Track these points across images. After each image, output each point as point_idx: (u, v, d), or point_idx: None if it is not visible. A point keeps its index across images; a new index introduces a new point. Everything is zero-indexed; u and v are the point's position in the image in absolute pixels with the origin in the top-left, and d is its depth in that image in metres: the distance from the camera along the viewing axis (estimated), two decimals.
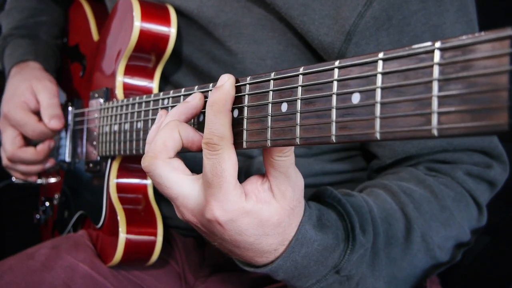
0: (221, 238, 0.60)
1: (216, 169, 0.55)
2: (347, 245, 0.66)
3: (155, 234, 0.91)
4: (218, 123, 0.55)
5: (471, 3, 0.82)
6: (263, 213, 0.57)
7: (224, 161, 0.55)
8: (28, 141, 1.13)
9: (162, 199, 0.99)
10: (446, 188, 0.79)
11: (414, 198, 0.76)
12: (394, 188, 0.77)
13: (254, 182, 0.59)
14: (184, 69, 0.99)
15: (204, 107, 0.64)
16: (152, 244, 0.91)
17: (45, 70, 1.17)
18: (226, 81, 0.57)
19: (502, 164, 0.83)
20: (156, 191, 0.96)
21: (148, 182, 0.96)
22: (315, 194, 0.72)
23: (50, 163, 1.15)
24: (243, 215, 0.56)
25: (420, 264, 0.75)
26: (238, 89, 0.58)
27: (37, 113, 1.09)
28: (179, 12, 0.94)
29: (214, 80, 0.60)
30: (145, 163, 0.60)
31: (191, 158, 0.70)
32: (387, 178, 0.82)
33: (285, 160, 0.56)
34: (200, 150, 0.60)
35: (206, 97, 0.64)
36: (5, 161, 1.13)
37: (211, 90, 0.63)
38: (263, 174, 0.59)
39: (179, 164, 0.61)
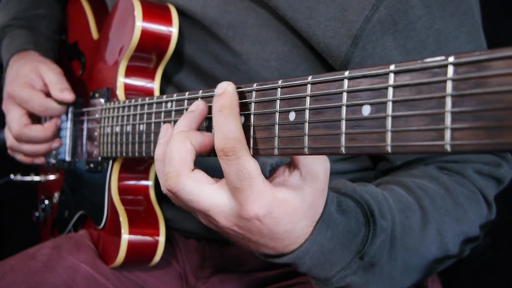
0: (259, 234, 0.59)
1: (243, 173, 0.54)
2: (368, 229, 0.66)
3: (157, 235, 0.91)
4: (231, 125, 0.54)
5: (476, 6, 0.81)
6: (296, 199, 0.57)
7: (247, 162, 0.54)
8: (35, 121, 1.09)
9: (164, 200, 0.99)
10: (459, 185, 0.79)
11: (428, 193, 0.76)
12: (409, 183, 0.77)
13: (281, 173, 0.59)
14: (186, 69, 0.98)
15: (209, 113, 0.63)
16: (155, 245, 0.91)
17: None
18: (228, 85, 0.57)
19: (508, 163, 0.84)
20: (157, 192, 0.96)
21: (149, 183, 0.96)
22: (330, 186, 0.72)
23: (57, 143, 1.10)
24: (277, 205, 0.56)
25: (431, 256, 0.75)
26: (244, 95, 0.58)
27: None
28: (182, 12, 0.93)
29: (217, 81, 0.60)
30: (170, 184, 0.58)
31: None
32: (399, 175, 0.82)
33: None
34: (211, 151, 0.60)
35: (208, 102, 0.64)
36: (10, 141, 1.09)
37: (213, 94, 0.63)
38: (289, 163, 0.59)
39: (202, 175, 0.59)
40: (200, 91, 0.66)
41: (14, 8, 1.23)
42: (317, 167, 0.57)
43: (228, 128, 0.54)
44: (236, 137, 0.54)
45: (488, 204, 0.82)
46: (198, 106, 0.63)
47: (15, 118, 1.05)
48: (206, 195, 0.58)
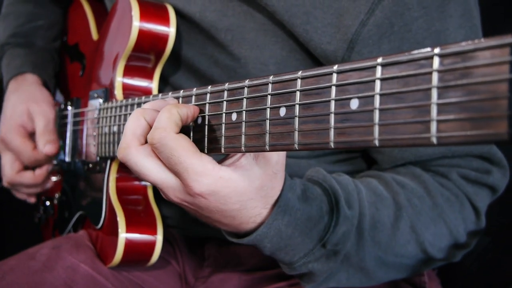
0: (208, 210, 0.62)
1: (173, 160, 0.58)
2: (331, 218, 0.68)
3: (155, 235, 0.91)
4: (162, 118, 0.59)
5: (475, 8, 0.81)
6: (244, 179, 0.60)
7: (173, 149, 0.58)
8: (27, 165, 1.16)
9: (162, 199, 0.99)
10: (441, 186, 0.79)
11: (407, 189, 0.77)
12: (388, 178, 0.78)
13: (234, 154, 0.61)
14: (185, 72, 0.98)
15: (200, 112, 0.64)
16: (152, 245, 0.90)
17: (43, 83, 1.19)
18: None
19: (502, 169, 0.82)
20: (156, 192, 0.96)
21: (148, 183, 0.96)
22: (306, 174, 0.74)
23: (49, 185, 1.20)
24: (223, 184, 0.59)
25: (410, 254, 0.76)
26: (237, 92, 0.58)
27: (33, 136, 1.12)
28: (181, 15, 0.93)
29: (215, 83, 0.61)
30: (120, 155, 0.64)
31: None
32: (383, 170, 0.83)
33: None
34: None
35: (202, 100, 0.64)
36: (5, 184, 1.17)
37: (208, 92, 0.63)
38: None
39: (150, 149, 0.63)
40: (194, 89, 0.66)
41: (14, 22, 1.25)
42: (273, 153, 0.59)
43: (159, 123, 0.59)
44: (160, 127, 0.58)
45: (475, 211, 0.81)
46: (172, 101, 0.67)
47: (8, 164, 1.13)
48: (153, 169, 0.62)
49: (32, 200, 1.23)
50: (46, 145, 1.09)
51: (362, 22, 0.75)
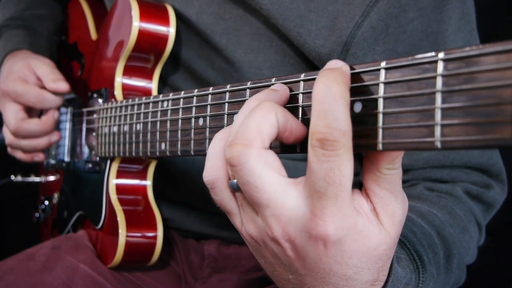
0: (311, 268, 0.46)
1: (334, 175, 0.41)
2: (418, 277, 0.57)
3: (155, 236, 0.91)
4: (340, 112, 0.40)
5: (472, 11, 0.80)
6: (373, 238, 0.45)
7: (344, 164, 0.41)
8: (32, 116, 1.08)
9: (162, 200, 0.99)
10: (457, 208, 0.75)
11: (442, 222, 0.69)
12: (424, 211, 0.69)
13: (358, 197, 0.46)
14: (183, 73, 0.98)
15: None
16: (152, 246, 0.90)
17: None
18: (344, 65, 0.43)
19: (501, 184, 0.81)
20: (156, 192, 0.96)
21: (148, 183, 0.96)
22: None
23: (56, 136, 1.08)
24: (354, 236, 0.44)
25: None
26: (237, 94, 0.58)
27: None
28: (179, 17, 0.93)
29: (213, 86, 0.58)
30: (233, 152, 0.44)
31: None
32: None
33: (393, 173, 0.44)
34: (292, 145, 0.49)
35: (204, 101, 0.63)
36: (9, 138, 1.07)
37: (209, 93, 0.63)
38: (358, 189, 0.48)
39: (275, 159, 0.46)
40: (196, 90, 0.66)
41: (13, 8, 1.23)
42: (392, 206, 0.46)
43: (335, 115, 0.40)
44: (342, 129, 0.40)
45: (479, 228, 0.79)
46: (282, 87, 0.50)
47: (12, 114, 1.03)
48: (272, 184, 0.44)
49: (40, 157, 1.10)
50: (56, 82, 1.00)
51: (357, 24, 0.74)
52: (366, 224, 0.45)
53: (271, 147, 0.51)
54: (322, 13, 0.77)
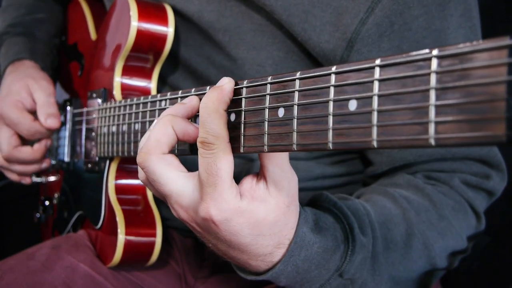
0: (216, 238, 0.59)
1: (211, 168, 0.54)
2: (347, 246, 0.65)
3: (154, 235, 0.91)
4: (213, 123, 0.54)
5: (474, 8, 0.80)
6: (259, 211, 0.56)
7: (219, 160, 0.54)
8: (24, 141, 1.10)
9: (161, 200, 0.99)
10: (445, 197, 0.78)
11: (413, 205, 0.75)
12: (394, 194, 0.76)
13: (249, 181, 0.58)
14: (183, 72, 0.98)
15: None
16: (152, 245, 0.90)
17: (41, 69, 1.14)
18: (226, 83, 0.56)
19: (500, 173, 0.82)
20: None
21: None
22: (310, 200, 0.71)
23: (46, 164, 1.13)
24: (238, 215, 0.56)
25: (419, 269, 0.75)
26: (236, 92, 0.58)
27: (32, 113, 1.07)
28: (179, 15, 0.93)
29: (213, 85, 0.59)
30: (139, 159, 0.61)
31: (191, 160, 0.70)
32: (384, 185, 0.81)
33: (282, 154, 0.56)
34: (193, 145, 0.60)
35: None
36: (0, 161, 1.11)
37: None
38: (257, 173, 0.59)
39: (173, 159, 0.60)
40: (193, 89, 0.66)
41: (14, 13, 1.23)
42: (279, 178, 0.56)
43: (210, 125, 0.54)
44: (215, 134, 0.54)
45: (476, 215, 0.81)
46: (191, 101, 0.63)
47: (5, 139, 1.07)
48: (170, 178, 0.59)
49: (27, 180, 1.16)
50: (48, 119, 1.03)
51: (362, 21, 0.74)
52: (249, 203, 0.56)
53: (178, 150, 0.66)
54: (326, 8, 0.77)
